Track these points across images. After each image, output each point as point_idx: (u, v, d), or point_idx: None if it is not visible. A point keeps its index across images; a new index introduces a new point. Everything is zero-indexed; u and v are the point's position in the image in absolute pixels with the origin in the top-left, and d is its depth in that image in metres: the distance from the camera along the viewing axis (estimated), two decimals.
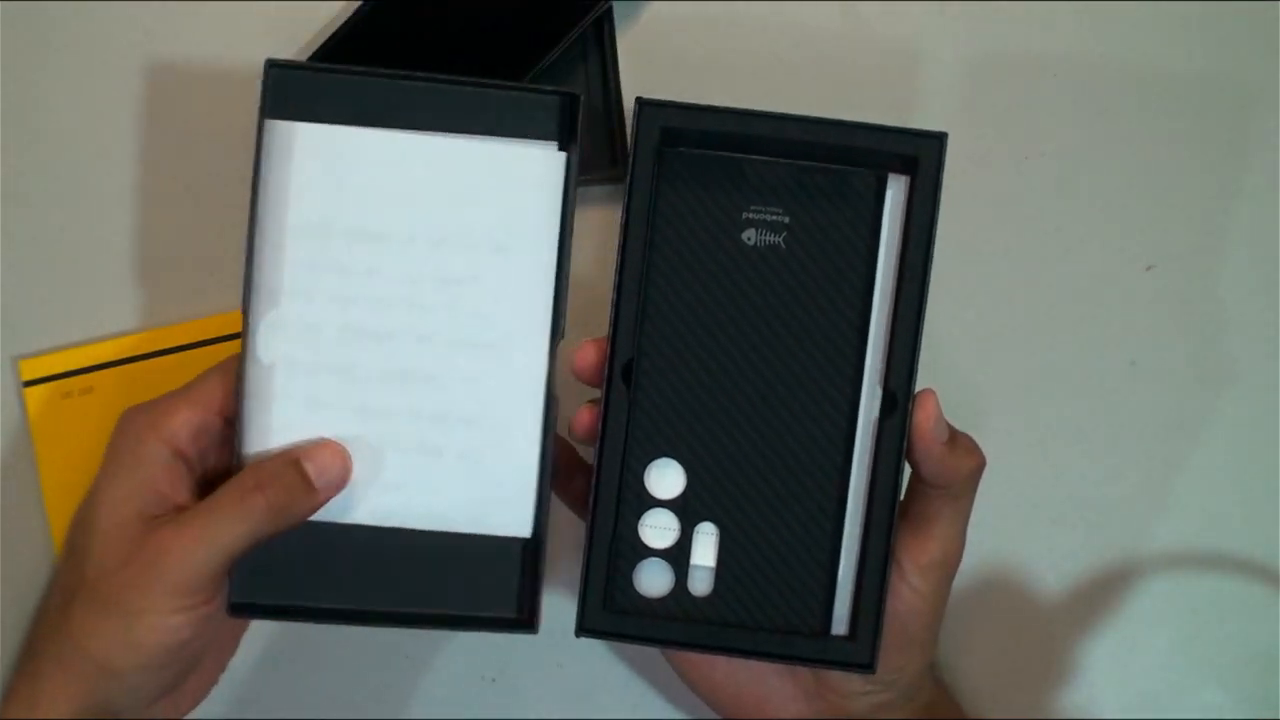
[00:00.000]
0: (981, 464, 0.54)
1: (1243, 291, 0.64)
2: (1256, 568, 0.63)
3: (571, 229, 0.52)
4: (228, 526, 0.49)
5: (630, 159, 0.51)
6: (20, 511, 0.61)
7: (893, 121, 0.65)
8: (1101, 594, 0.63)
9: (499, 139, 0.52)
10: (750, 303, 0.52)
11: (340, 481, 0.50)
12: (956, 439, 0.53)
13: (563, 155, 0.52)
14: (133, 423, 0.51)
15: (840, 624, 0.52)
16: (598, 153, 0.62)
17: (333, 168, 0.51)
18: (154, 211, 0.62)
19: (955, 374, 0.63)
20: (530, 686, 0.62)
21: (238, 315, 0.60)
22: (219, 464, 0.52)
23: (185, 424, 0.51)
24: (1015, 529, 0.63)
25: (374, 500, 0.52)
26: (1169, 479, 0.64)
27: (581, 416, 0.51)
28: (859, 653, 0.51)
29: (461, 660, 0.62)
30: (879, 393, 0.52)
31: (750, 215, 0.52)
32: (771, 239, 0.52)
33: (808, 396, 0.52)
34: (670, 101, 0.51)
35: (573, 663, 0.62)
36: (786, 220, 0.52)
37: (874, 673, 0.51)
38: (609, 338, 0.51)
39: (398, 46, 0.60)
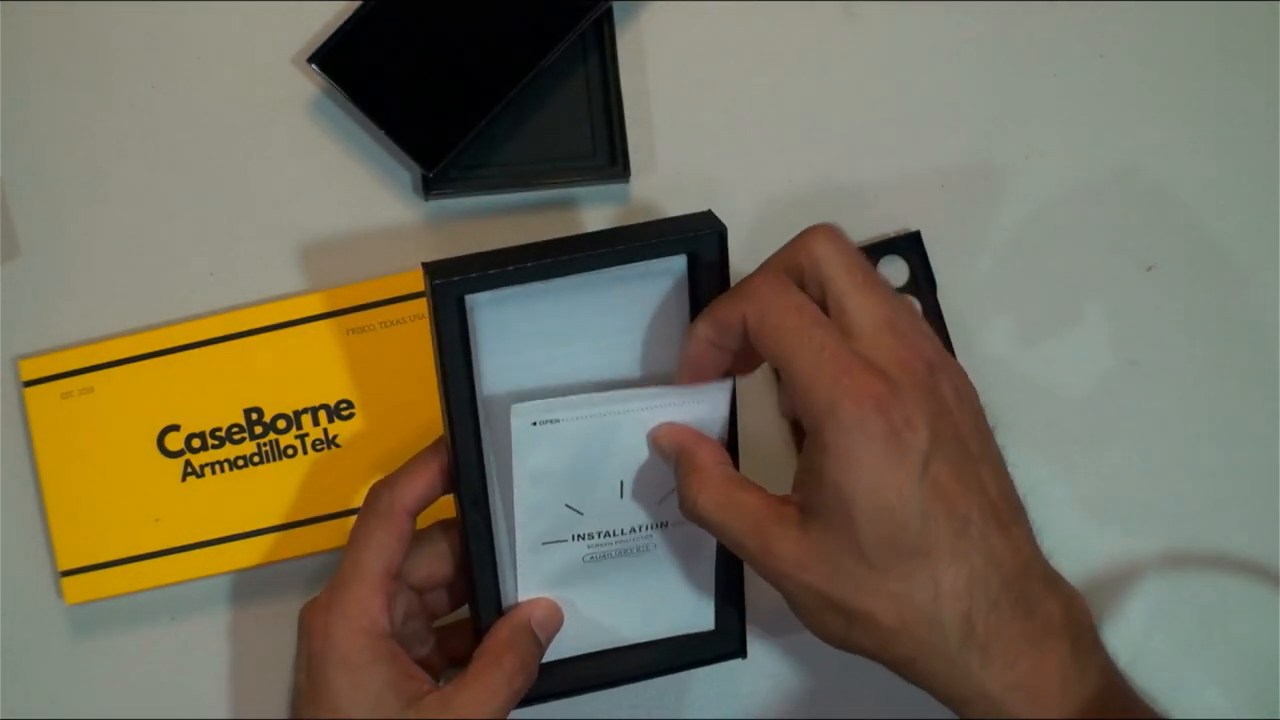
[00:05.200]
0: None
1: (1243, 291, 0.64)
2: (1256, 568, 0.63)
3: None
4: (493, 699, 0.53)
5: (434, 325, 0.50)
6: (20, 512, 0.61)
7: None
8: (1101, 594, 0.63)
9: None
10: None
11: (556, 632, 0.56)
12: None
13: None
14: (319, 621, 0.53)
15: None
16: (597, 153, 0.62)
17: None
18: (154, 211, 0.62)
19: None
20: None
21: (237, 315, 0.60)
22: (408, 610, 0.55)
23: (380, 608, 0.53)
24: None
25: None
26: (1169, 479, 0.64)
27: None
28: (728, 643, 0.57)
29: None
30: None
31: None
32: None
33: None
34: (460, 273, 0.49)
35: None
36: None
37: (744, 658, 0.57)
38: (454, 478, 0.53)
39: (398, 47, 0.60)
